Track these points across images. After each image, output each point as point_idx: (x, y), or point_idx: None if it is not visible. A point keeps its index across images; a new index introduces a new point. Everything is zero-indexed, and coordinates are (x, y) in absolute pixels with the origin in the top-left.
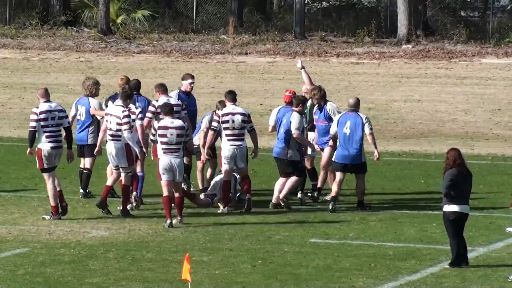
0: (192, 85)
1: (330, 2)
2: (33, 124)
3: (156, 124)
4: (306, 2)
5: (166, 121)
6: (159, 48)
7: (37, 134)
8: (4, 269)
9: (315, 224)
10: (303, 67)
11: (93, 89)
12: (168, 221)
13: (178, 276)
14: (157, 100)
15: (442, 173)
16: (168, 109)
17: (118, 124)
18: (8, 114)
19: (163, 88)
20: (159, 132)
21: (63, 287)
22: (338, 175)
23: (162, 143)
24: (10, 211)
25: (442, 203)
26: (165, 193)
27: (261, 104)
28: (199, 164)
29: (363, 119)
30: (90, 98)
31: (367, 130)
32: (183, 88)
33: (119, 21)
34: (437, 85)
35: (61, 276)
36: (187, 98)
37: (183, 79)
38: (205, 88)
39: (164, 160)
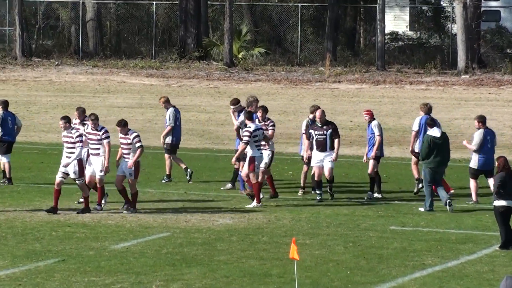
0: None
1: (405, 42)
2: None
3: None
4: (386, 41)
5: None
6: (271, 77)
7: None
8: (151, 249)
9: (394, 215)
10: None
11: (254, 104)
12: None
13: (287, 255)
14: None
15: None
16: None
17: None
18: (153, 128)
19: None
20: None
21: (196, 264)
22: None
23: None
24: (155, 204)
25: (493, 199)
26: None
27: (351, 121)
28: (304, 167)
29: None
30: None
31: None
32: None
33: (240, 56)
34: (489, 107)
35: (195, 255)
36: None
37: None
38: (307, 109)
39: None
